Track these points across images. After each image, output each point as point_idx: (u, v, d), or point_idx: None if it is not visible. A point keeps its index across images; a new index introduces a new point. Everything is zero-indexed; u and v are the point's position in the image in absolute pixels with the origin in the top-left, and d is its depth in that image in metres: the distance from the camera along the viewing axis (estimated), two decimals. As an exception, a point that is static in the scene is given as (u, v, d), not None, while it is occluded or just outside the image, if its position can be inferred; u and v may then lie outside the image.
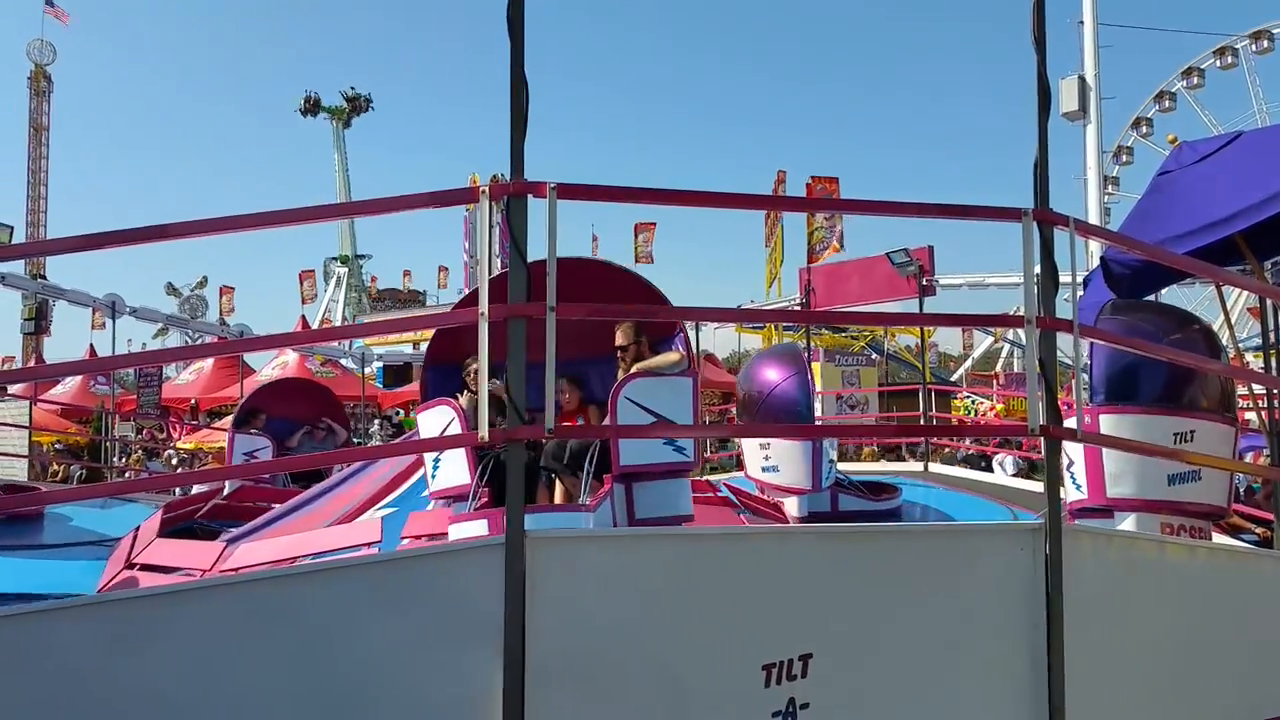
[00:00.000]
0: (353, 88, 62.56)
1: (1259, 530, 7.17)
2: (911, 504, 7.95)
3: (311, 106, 61.64)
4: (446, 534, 4.33)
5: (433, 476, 4.81)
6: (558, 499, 4.99)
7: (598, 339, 5.34)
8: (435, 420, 4.90)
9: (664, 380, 4.90)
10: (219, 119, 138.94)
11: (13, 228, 23.96)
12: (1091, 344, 4.91)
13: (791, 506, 7.20)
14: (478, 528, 4.17)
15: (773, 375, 7.34)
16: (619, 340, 5.18)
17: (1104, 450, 4.71)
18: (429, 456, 4.86)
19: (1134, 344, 4.33)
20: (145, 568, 4.97)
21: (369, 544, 4.45)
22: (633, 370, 5.00)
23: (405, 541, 4.51)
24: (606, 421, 5.02)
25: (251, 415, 10.99)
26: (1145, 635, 3.42)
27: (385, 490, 5.59)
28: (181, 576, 4.66)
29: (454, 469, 4.70)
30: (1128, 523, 4.72)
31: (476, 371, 5.00)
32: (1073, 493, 4.86)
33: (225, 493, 7.55)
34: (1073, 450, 4.84)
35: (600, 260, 5.40)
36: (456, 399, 5.03)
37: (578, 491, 4.89)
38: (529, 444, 4.95)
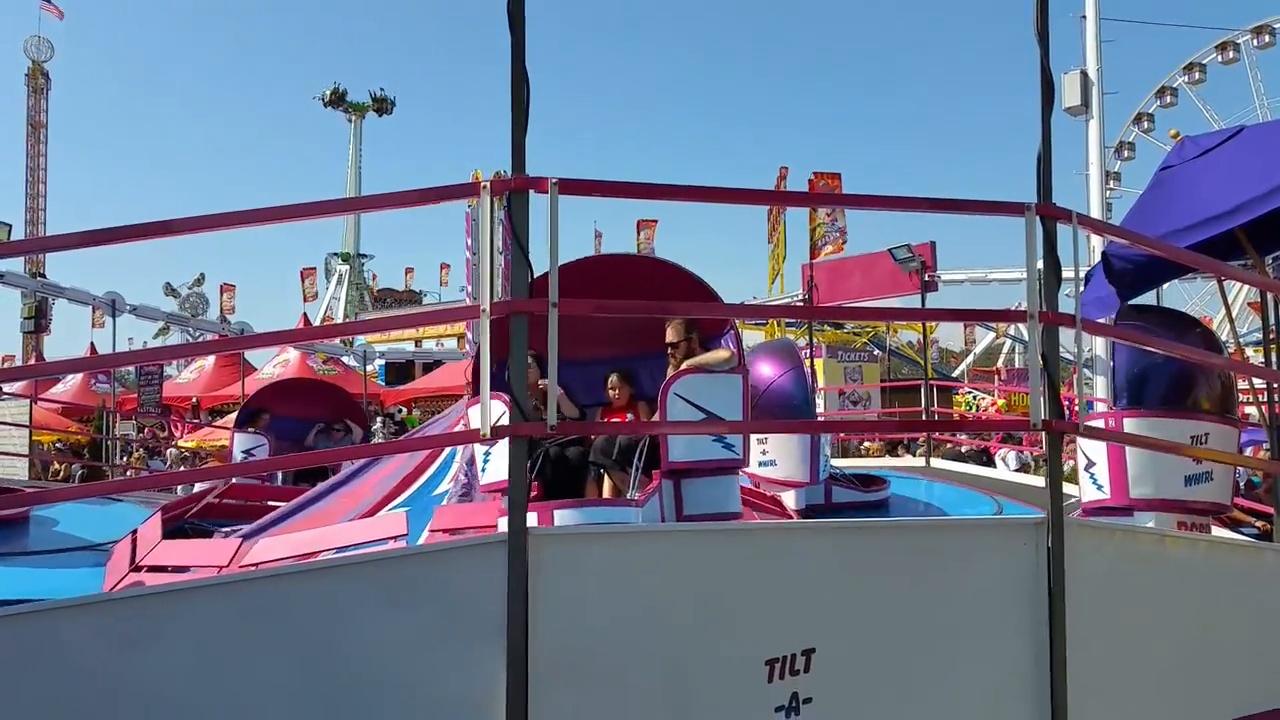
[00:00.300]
0: (381, 89, 62.55)
1: (1259, 524, 7.20)
2: (899, 496, 8.06)
3: (335, 98, 61.30)
4: (471, 528, 4.34)
5: (483, 470, 4.85)
6: (606, 494, 5.05)
7: (651, 335, 5.38)
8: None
9: (714, 377, 4.93)
10: (219, 119, 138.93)
11: (11, 225, 24.00)
12: (1115, 349, 5.09)
13: (789, 500, 7.24)
14: (528, 520, 4.22)
15: (768, 371, 7.38)
16: (670, 337, 5.22)
17: (1128, 452, 4.86)
18: (479, 450, 4.88)
19: (1151, 343, 4.46)
20: (155, 569, 4.84)
21: (394, 537, 4.43)
22: (683, 367, 5.05)
23: (434, 535, 4.51)
24: (656, 418, 5.07)
25: (255, 415, 10.98)
26: (1148, 629, 3.42)
27: (397, 489, 5.57)
28: (195, 576, 4.59)
29: (505, 463, 4.73)
30: (1149, 522, 4.88)
31: (528, 367, 5.11)
32: (1094, 492, 5.01)
33: (215, 491, 7.37)
34: (1095, 451, 5.00)
35: (652, 257, 5.43)
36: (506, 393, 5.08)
37: (626, 487, 4.94)
38: (577, 439, 5.13)
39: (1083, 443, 5.12)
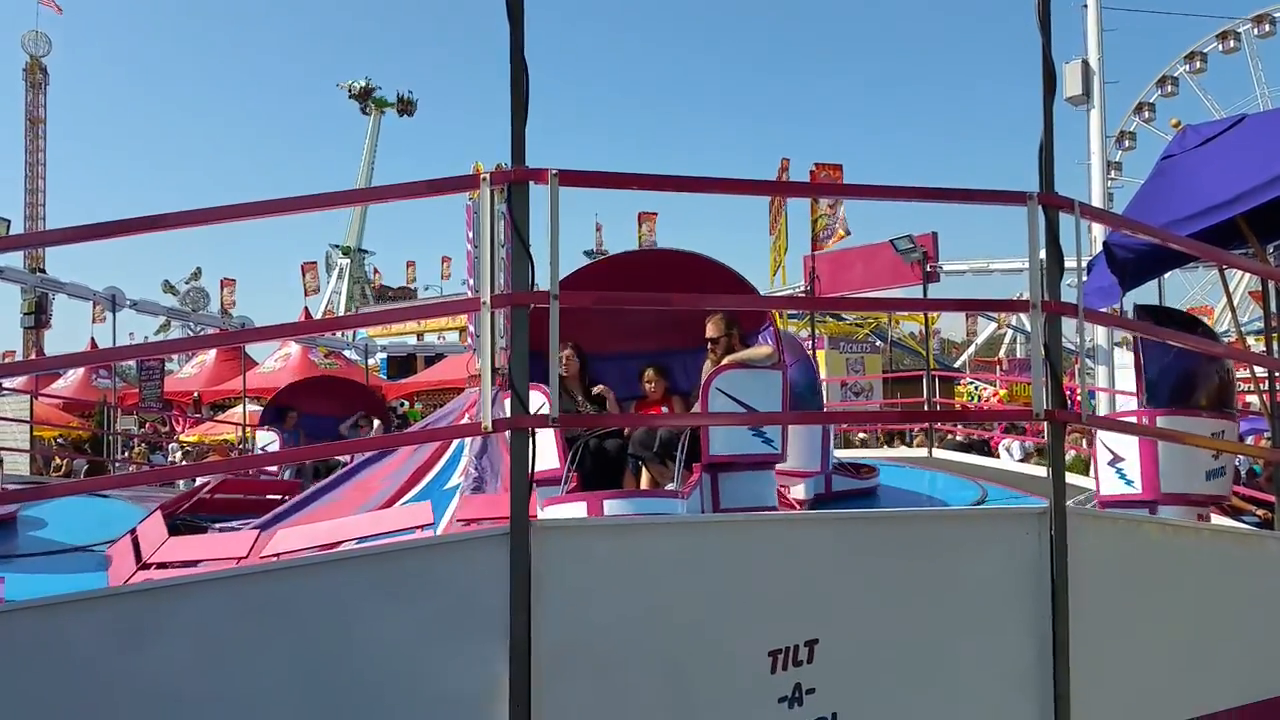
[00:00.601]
0: (410, 91, 62.37)
1: (1260, 512, 7.23)
2: (887, 485, 8.24)
3: (363, 93, 60.79)
4: (494, 518, 4.36)
5: None
6: (644, 486, 5.11)
7: (687, 330, 5.43)
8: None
9: (755, 372, 4.99)
10: (219, 116, 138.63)
11: (9, 221, 23.92)
12: (1141, 349, 5.37)
13: (798, 491, 7.28)
14: (576, 509, 4.36)
15: None
16: (710, 332, 5.26)
17: (1161, 449, 5.05)
18: None
19: (1162, 334, 4.60)
20: (164, 566, 4.77)
21: (420, 526, 4.44)
22: (724, 362, 5.09)
23: (457, 524, 4.53)
24: (697, 410, 5.13)
25: (283, 413, 11.00)
26: (1151, 617, 3.42)
27: (409, 483, 5.58)
28: (209, 569, 4.52)
29: (544, 454, 4.77)
30: (1173, 515, 5.03)
31: (566, 359, 5.26)
32: (1121, 486, 5.17)
33: (207, 487, 7.17)
34: (1124, 447, 5.16)
35: (695, 253, 5.45)
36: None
37: (664, 479, 5.01)
38: (615, 432, 5.22)
39: (1107, 438, 5.26)
